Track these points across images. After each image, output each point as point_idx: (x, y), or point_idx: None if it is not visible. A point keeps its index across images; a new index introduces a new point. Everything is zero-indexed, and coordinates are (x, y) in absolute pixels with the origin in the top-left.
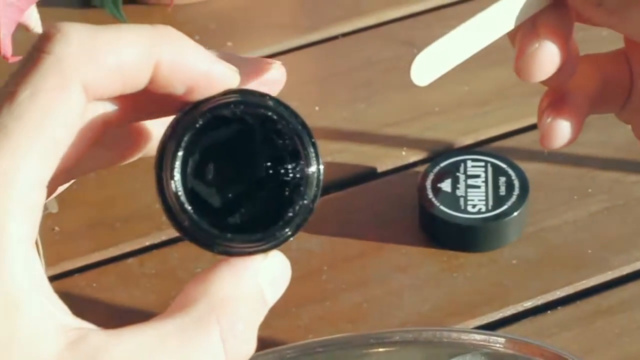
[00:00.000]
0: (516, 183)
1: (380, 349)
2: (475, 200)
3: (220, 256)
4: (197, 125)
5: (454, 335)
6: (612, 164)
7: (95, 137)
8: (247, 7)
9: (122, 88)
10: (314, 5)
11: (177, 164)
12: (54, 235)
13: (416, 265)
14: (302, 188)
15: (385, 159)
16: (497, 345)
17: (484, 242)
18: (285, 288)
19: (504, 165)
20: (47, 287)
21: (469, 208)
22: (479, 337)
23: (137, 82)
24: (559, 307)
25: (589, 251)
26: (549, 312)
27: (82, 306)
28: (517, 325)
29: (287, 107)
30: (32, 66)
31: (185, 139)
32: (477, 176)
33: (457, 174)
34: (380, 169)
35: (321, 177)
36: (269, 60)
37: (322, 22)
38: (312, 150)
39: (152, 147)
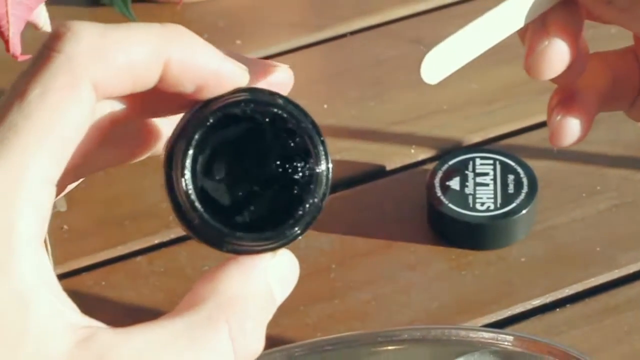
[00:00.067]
0: (525, 181)
1: (389, 347)
2: (484, 198)
3: (228, 255)
4: (208, 124)
5: (462, 333)
6: (621, 162)
7: (104, 135)
8: (255, 5)
9: (132, 87)
10: (323, 4)
11: (188, 162)
12: (62, 234)
13: (425, 263)
14: (311, 186)
15: (394, 157)
16: (506, 343)
17: (492, 240)
18: (293, 286)
19: (512, 163)
20: (56, 286)
21: (478, 206)
22: (487, 335)
23: (146, 80)
24: (568, 305)
25: (598, 249)
26: (557, 310)
27: (90, 304)
28: (526, 323)
29: (296, 106)
30: (42, 65)
31: (196, 137)
32: (486, 174)
33: (466, 171)
34: (389, 167)
35: (330, 175)
36: (275, 63)
37: (331, 21)
38: (321, 148)
39: (160, 146)
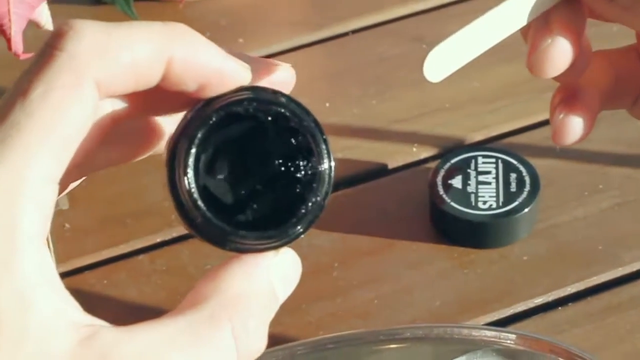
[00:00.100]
0: (527, 179)
1: (391, 346)
2: (486, 196)
3: (230, 253)
4: (211, 122)
5: (465, 331)
6: (624, 160)
7: (106, 133)
8: (257, 3)
9: (135, 85)
10: (324, 3)
11: (190, 160)
12: (64, 232)
13: (427, 262)
14: (314, 185)
15: (396, 156)
16: (508, 341)
17: (494, 239)
18: (296, 285)
19: (514, 162)
20: (59, 284)
21: (480, 204)
22: (489, 334)
23: (149, 79)
24: (570, 304)
25: (600, 247)
26: (559, 308)
27: (92, 303)
28: (528, 322)
29: (299, 104)
30: (44, 63)
31: (199, 135)
32: (488, 172)
33: (468, 170)
34: (391, 165)
35: (333, 174)
36: (277, 61)
37: (333, 19)
38: (324, 147)
39: (162, 144)
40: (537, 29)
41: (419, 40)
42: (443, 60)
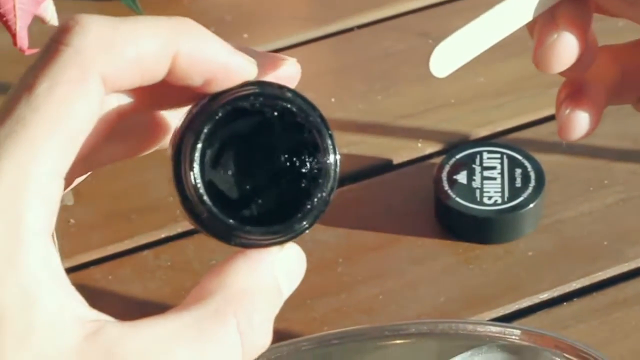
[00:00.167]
0: (532, 175)
1: (396, 341)
2: (491, 192)
3: (235, 248)
4: (217, 117)
5: (470, 327)
6: (629, 156)
7: (112, 128)
8: None
9: (141, 80)
10: None
11: (196, 155)
12: (69, 228)
13: (432, 257)
14: (320, 180)
15: (401, 151)
16: (513, 337)
17: (499, 234)
18: (300, 280)
19: (519, 157)
20: (65, 280)
21: (485, 200)
22: (494, 329)
23: (155, 74)
24: (575, 299)
25: (605, 243)
26: (564, 303)
27: (97, 298)
28: (533, 317)
29: (305, 100)
30: (50, 58)
31: (205, 130)
32: (493, 168)
33: (473, 165)
34: (396, 160)
35: (338, 169)
36: (283, 56)
37: (338, 14)
38: (329, 142)
39: (168, 139)
40: (543, 24)
41: (424, 36)
42: (449, 56)
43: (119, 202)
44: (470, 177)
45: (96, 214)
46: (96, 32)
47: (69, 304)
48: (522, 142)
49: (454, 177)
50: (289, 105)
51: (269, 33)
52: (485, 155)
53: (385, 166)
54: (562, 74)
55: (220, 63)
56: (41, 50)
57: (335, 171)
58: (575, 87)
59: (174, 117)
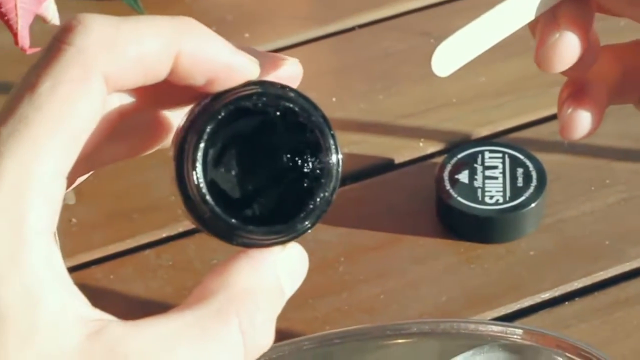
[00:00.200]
0: (534, 174)
1: (398, 341)
2: (493, 191)
3: (237, 248)
4: (219, 117)
5: (472, 326)
6: (630, 155)
7: (114, 127)
8: None
9: (143, 79)
10: None
11: (199, 155)
12: (71, 227)
13: (433, 257)
14: (322, 180)
15: (403, 150)
16: (515, 336)
17: (501, 234)
18: (302, 280)
19: (521, 157)
20: (67, 279)
21: (487, 199)
22: (496, 329)
23: (157, 73)
24: (577, 299)
25: (607, 242)
26: (566, 303)
27: (99, 297)
28: (535, 317)
29: (307, 99)
30: (53, 57)
31: (207, 130)
32: (495, 167)
33: (475, 165)
34: (398, 160)
35: (340, 169)
36: (284, 56)
37: (339, 14)
38: (332, 142)
39: (170, 139)
40: (545, 23)
41: (425, 35)
42: (451, 55)
43: (121, 202)
44: (472, 176)
45: (98, 213)
46: (99, 32)
47: (72, 303)
48: (523, 142)
49: (456, 176)
50: (291, 105)
51: (270, 33)
52: (486, 154)
53: (386, 166)
54: (564, 73)
55: (223, 62)
56: (44, 50)
57: (337, 171)
58: (577, 87)
59: (176, 117)
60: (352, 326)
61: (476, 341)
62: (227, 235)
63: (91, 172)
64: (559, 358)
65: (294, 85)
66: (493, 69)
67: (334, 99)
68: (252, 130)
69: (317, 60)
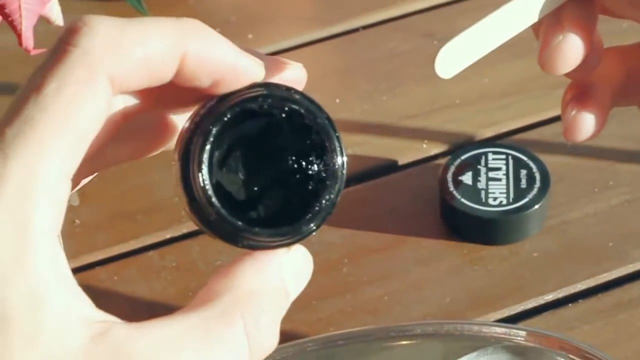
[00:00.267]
0: (537, 176)
1: (401, 342)
2: (497, 192)
3: (241, 250)
4: (225, 119)
5: (475, 328)
6: (634, 157)
7: (118, 129)
8: None
9: (149, 81)
10: None
11: (205, 157)
12: (74, 228)
13: (437, 258)
14: (328, 182)
15: (406, 152)
16: (518, 338)
17: (504, 235)
18: (307, 282)
19: (525, 158)
20: (72, 280)
21: (490, 201)
22: (500, 330)
23: (163, 75)
24: (580, 300)
25: (610, 244)
26: (570, 305)
27: (102, 299)
28: (538, 318)
29: (312, 101)
30: (58, 59)
31: (214, 132)
32: (498, 169)
33: (478, 166)
34: (401, 161)
35: (345, 171)
36: (288, 60)
37: (343, 15)
38: (337, 144)
39: (175, 140)
40: (548, 25)
41: (429, 36)
42: (454, 57)
43: (125, 203)
44: (476, 178)
45: (102, 214)
46: (104, 33)
47: (76, 304)
48: (527, 143)
49: (459, 178)
50: (297, 107)
51: (274, 34)
52: (490, 156)
53: (390, 167)
54: (567, 75)
55: (228, 64)
56: (49, 51)
57: (342, 173)
58: (581, 89)
59: (181, 119)
60: (356, 327)
61: (480, 343)
62: (233, 237)
63: (95, 174)
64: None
65: (299, 88)
66: (497, 70)
67: (337, 100)
68: (258, 132)
69: (321, 61)
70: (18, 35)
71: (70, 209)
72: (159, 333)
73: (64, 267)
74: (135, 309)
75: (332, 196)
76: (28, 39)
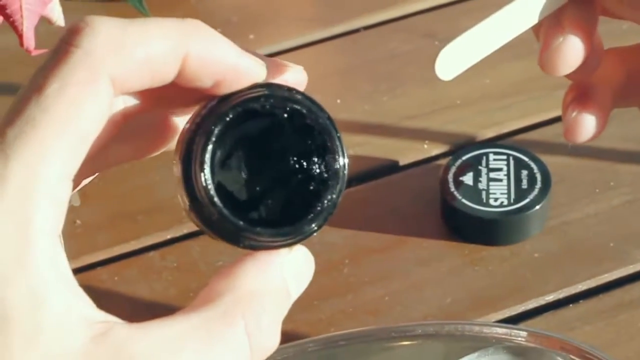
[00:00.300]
0: (538, 176)
1: (402, 343)
2: (497, 193)
3: (242, 250)
4: (227, 119)
5: (476, 328)
6: (634, 157)
7: (119, 129)
8: (269, 0)
9: (150, 81)
10: None
11: (207, 157)
12: (75, 229)
13: (438, 259)
14: (329, 183)
15: (407, 152)
16: (519, 338)
17: (505, 236)
18: (309, 282)
19: (526, 159)
20: (72, 281)
21: (491, 201)
22: (500, 331)
23: (165, 75)
24: (581, 301)
25: (611, 244)
26: (570, 305)
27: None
28: (539, 319)
29: (314, 102)
30: (60, 59)
31: (216, 132)
32: (499, 169)
33: (479, 167)
34: (402, 162)
35: (346, 171)
36: (288, 62)
37: (344, 15)
38: (338, 144)
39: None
40: (549, 26)
41: (430, 37)
42: (455, 58)
43: (125, 203)
44: (477, 178)
45: (102, 215)
46: (106, 34)
47: (77, 304)
48: (528, 144)
49: (460, 178)
50: (298, 107)
51: (275, 34)
52: (491, 156)
53: (391, 167)
54: (568, 76)
55: (230, 65)
56: (51, 52)
57: (344, 173)
58: (581, 90)
59: (182, 119)
60: (357, 328)
61: (481, 343)
62: (234, 237)
63: (96, 174)
64: None
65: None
66: (498, 70)
67: (338, 101)
68: (259, 132)
69: (322, 61)
70: (19, 36)
71: (71, 210)
72: (160, 333)
73: (65, 268)
74: (136, 309)
75: (333, 196)
76: (29, 40)
